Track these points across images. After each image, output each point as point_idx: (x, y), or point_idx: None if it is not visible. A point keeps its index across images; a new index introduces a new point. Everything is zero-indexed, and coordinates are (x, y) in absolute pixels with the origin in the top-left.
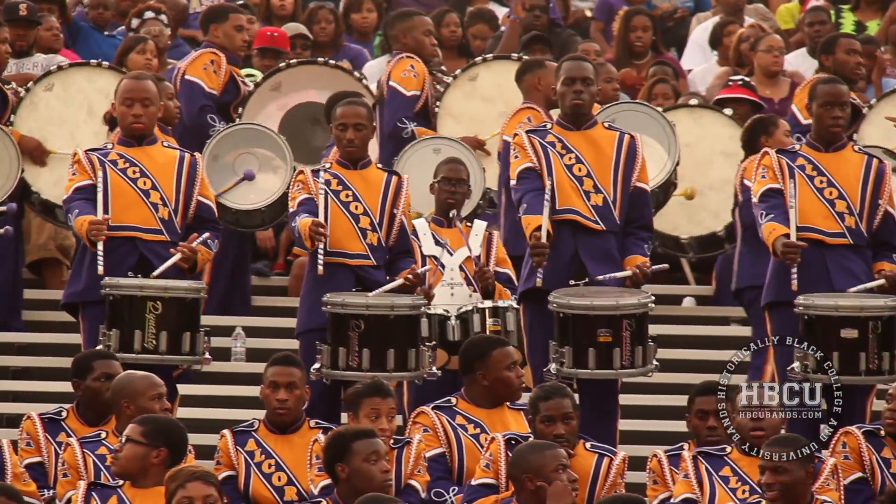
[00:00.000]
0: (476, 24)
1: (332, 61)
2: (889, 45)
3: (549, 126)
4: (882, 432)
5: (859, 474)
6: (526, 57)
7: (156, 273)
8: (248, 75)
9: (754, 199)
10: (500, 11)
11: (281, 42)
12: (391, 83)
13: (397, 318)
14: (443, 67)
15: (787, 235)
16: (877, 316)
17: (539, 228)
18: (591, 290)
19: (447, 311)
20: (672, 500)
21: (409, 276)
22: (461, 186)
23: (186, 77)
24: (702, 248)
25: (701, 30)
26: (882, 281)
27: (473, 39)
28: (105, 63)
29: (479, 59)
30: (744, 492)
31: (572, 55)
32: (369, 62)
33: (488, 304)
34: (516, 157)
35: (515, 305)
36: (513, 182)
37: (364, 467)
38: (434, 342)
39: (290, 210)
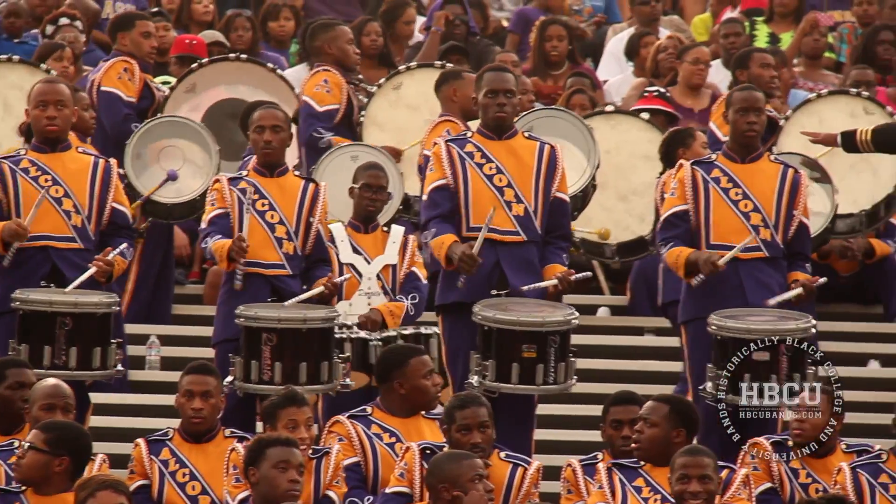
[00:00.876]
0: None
1: (244, 55)
2: (802, 57)
3: (469, 135)
4: (790, 442)
5: (768, 484)
6: (449, 65)
7: (69, 288)
8: (164, 82)
9: (659, 222)
10: (419, 20)
11: (199, 50)
12: (304, 97)
13: (310, 331)
14: (360, 76)
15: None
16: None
17: (454, 244)
18: (515, 303)
19: (370, 335)
20: None
21: (327, 285)
22: (381, 193)
23: (103, 88)
24: (627, 253)
25: (616, 41)
26: (799, 290)
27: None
28: (16, 57)
29: (402, 67)
30: (656, 501)
31: (494, 66)
32: (287, 70)
33: (411, 329)
34: (431, 170)
35: (439, 332)
36: (423, 198)
37: (272, 474)
38: (348, 356)
39: (202, 227)
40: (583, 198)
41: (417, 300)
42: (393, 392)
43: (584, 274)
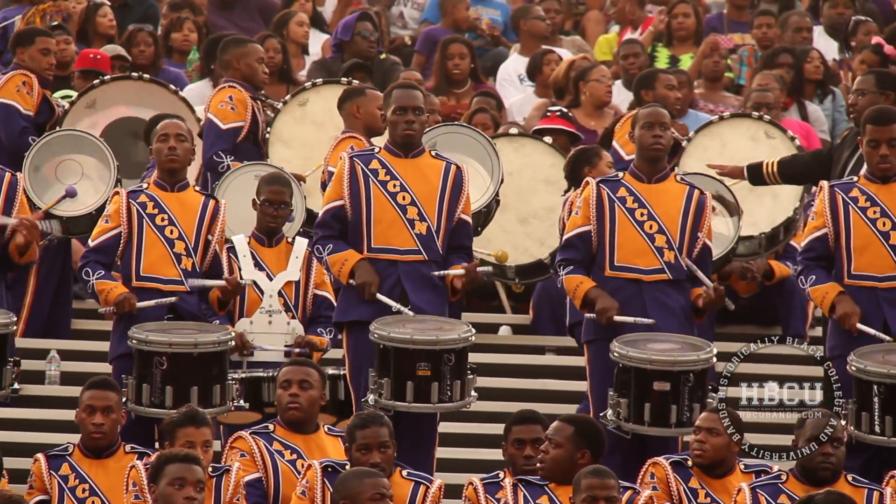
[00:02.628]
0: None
1: (146, 75)
2: (702, 78)
3: (376, 150)
4: (689, 462)
5: None
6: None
7: None
8: (65, 96)
9: (560, 243)
10: (319, 37)
11: (103, 64)
12: (209, 114)
13: (201, 354)
14: (264, 93)
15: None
16: (689, 370)
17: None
18: (413, 321)
19: (266, 372)
20: None
21: (229, 279)
22: (283, 209)
23: (0, 101)
24: (527, 276)
25: (513, 60)
26: (708, 291)
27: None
28: None
29: (308, 84)
30: None
31: (403, 83)
32: (189, 86)
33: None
34: (330, 188)
35: (333, 371)
36: (319, 216)
37: (167, 491)
38: (243, 376)
39: (90, 244)
40: (486, 213)
41: (333, 334)
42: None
43: (485, 269)
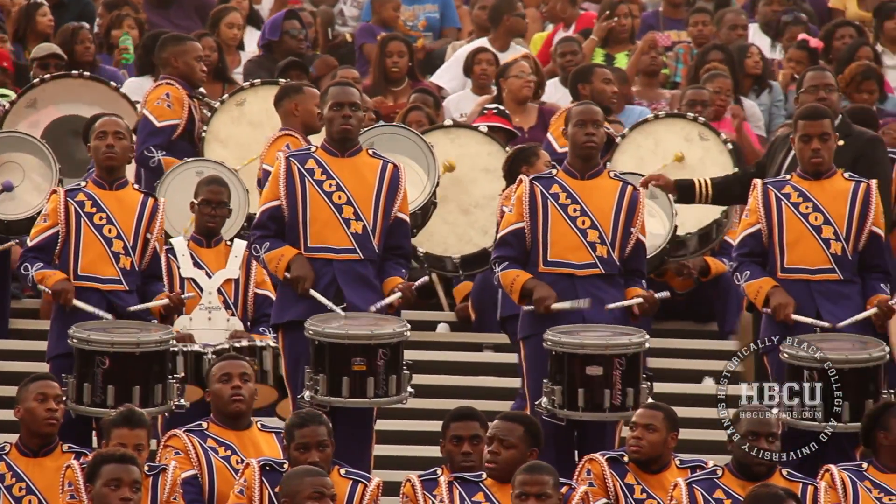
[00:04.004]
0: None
1: (87, 73)
2: (639, 75)
3: (312, 150)
4: (625, 458)
5: (604, 500)
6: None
7: None
8: (2, 95)
9: (496, 241)
10: (255, 35)
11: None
12: (144, 110)
13: (143, 354)
14: (202, 91)
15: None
16: (621, 353)
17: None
18: (349, 317)
19: (204, 348)
20: None
21: (171, 297)
22: (221, 209)
23: None
24: (470, 266)
25: (455, 57)
26: (639, 300)
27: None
28: None
29: (246, 84)
30: None
31: (339, 81)
32: (129, 80)
33: (245, 342)
34: (267, 187)
35: (272, 344)
36: (257, 216)
37: (103, 492)
38: (184, 375)
39: (29, 242)
40: (422, 215)
41: None
42: (209, 401)
43: (422, 280)
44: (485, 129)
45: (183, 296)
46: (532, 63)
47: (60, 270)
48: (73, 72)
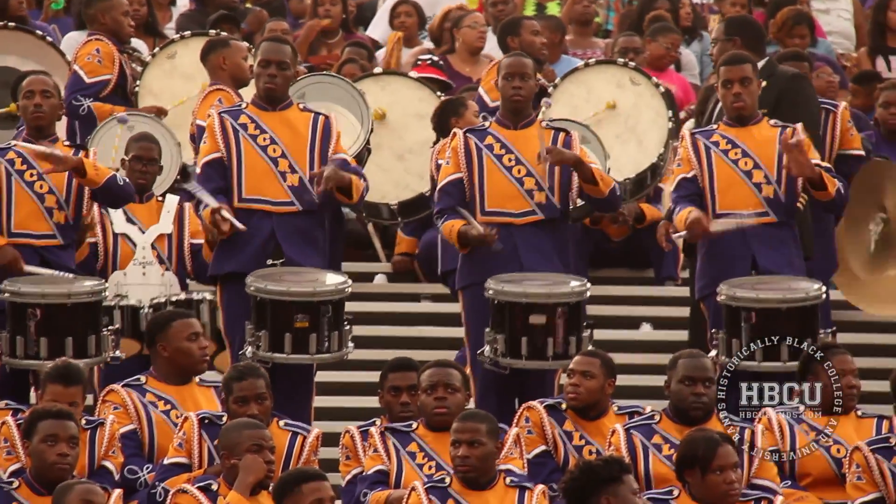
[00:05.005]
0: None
1: (13, 24)
2: (572, 24)
3: (243, 105)
4: (563, 406)
5: (542, 448)
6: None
7: None
8: None
9: (436, 193)
10: None
11: None
12: (75, 65)
13: (75, 305)
14: (133, 46)
15: (467, 224)
16: (564, 302)
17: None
18: (289, 273)
19: (140, 302)
20: (364, 473)
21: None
22: (152, 165)
23: None
24: (408, 212)
25: (383, 8)
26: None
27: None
28: None
29: (177, 36)
30: (430, 468)
31: (271, 36)
32: (69, 34)
33: (183, 295)
34: (205, 142)
35: (209, 297)
36: (197, 171)
37: (40, 448)
38: (120, 327)
39: None
40: (357, 163)
41: None
42: (159, 357)
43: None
44: (415, 76)
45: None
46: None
47: None
48: (7, 23)
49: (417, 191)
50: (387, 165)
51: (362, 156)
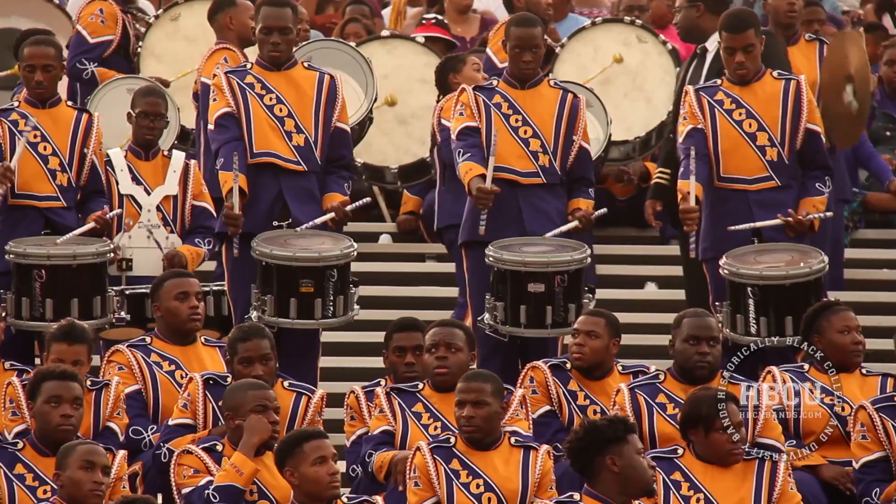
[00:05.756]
0: None
1: None
2: None
3: (248, 66)
4: (568, 365)
5: (547, 407)
6: None
7: None
8: None
9: (452, 136)
10: None
11: None
12: (77, 25)
13: (80, 266)
14: (137, 6)
15: (483, 177)
16: (563, 270)
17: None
18: (295, 236)
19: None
20: (370, 434)
21: (98, 220)
22: (159, 121)
23: None
24: (409, 177)
25: None
26: (575, 223)
27: None
28: None
29: None
30: (436, 428)
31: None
32: None
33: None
34: (214, 100)
35: (215, 288)
36: (210, 127)
37: (44, 409)
38: (123, 288)
39: None
40: (359, 131)
41: (212, 244)
42: (157, 317)
43: (363, 201)
44: (422, 40)
45: (109, 214)
46: None
47: None
48: None
49: (418, 156)
50: (389, 129)
51: (364, 123)
